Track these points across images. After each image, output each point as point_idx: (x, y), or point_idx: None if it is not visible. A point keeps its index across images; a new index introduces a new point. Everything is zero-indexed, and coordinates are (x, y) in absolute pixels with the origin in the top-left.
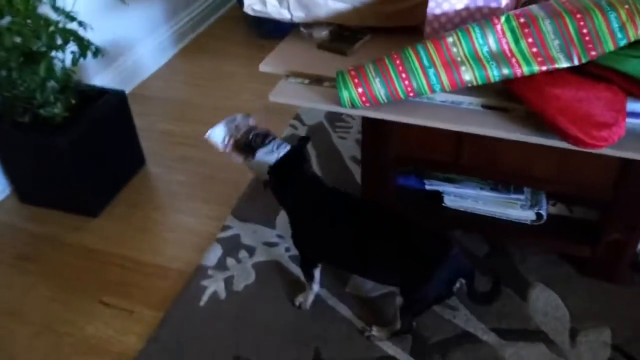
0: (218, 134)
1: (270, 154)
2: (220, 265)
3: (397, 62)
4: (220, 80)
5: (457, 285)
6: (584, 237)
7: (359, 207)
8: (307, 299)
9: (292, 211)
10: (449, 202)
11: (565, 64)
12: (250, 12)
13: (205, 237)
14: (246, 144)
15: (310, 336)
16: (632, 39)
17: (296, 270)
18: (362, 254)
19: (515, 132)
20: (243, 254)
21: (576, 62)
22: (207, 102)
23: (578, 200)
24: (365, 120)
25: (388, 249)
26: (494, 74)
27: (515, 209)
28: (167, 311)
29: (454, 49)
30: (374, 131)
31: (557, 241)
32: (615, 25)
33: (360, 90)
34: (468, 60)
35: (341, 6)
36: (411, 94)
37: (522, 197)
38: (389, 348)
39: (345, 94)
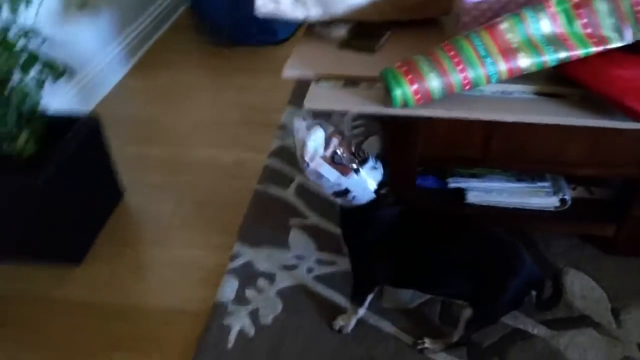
0: (319, 138)
1: (375, 171)
2: (240, 299)
3: (452, 53)
4: (185, 93)
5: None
6: (608, 216)
7: (429, 221)
8: (349, 323)
9: (365, 234)
10: (472, 198)
11: (619, 43)
12: (260, 15)
13: (214, 270)
14: (352, 157)
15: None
16: None
17: (325, 291)
18: (435, 270)
19: (576, 118)
20: (262, 282)
21: (629, 40)
22: (175, 118)
23: (596, 182)
24: (387, 120)
25: (462, 261)
26: (551, 58)
27: (540, 197)
28: None
29: (509, 35)
30: (398, 132)
31: (582, 223)
32: None
33: (415, 87)
34: (524, 46)
35: (360, 1)
36: (467, 87)
37: (546, 184)
38: (446, 359)
39: (398, 93)
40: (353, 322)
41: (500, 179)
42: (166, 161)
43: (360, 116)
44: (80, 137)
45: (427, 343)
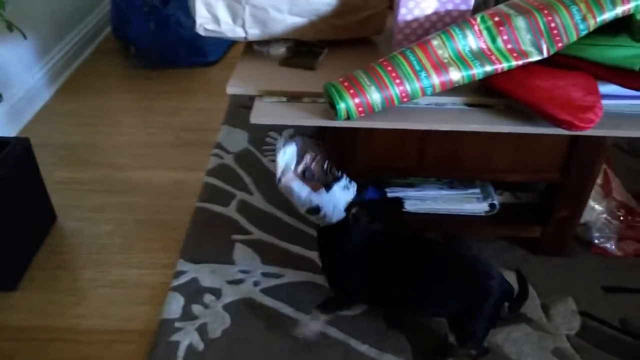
0: (289, 153)
1: (347, 190)
2: (187, 315)
3: (389, 68)
4: (113, 117)
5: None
6: (534, 219)
7: (405, 242)
8: (314, 328)
9: (345, 253)
10: (409, 206)
11: (537, 57)
12: (202, 32)
13: (158, 288)
14: (324, 174)
15: None
16: (592, 29)
17: (273, 302)
18: (409, 291)
19: (503, 125)
20: (209, 297)
21: (545, 55)
22: (104, 140)
23: (521, 187)
24: (328, 135)
25: (438, 283)
26: (479, 71)
27: (472, 203)
28: None
29: (440, 51)
30: (338, 145)
31: (510, 226)
32: (578, 17)
33: (357, 100)
34: (454, 60)
35: (298, 21)
36: (405, 99)
37: (476, 190)
38: None
39: (342, 106)
40: (317, 329)
41: (434, 188)
42: (99, 184)
43: (295, 133)
44: (11, 160)
45: None
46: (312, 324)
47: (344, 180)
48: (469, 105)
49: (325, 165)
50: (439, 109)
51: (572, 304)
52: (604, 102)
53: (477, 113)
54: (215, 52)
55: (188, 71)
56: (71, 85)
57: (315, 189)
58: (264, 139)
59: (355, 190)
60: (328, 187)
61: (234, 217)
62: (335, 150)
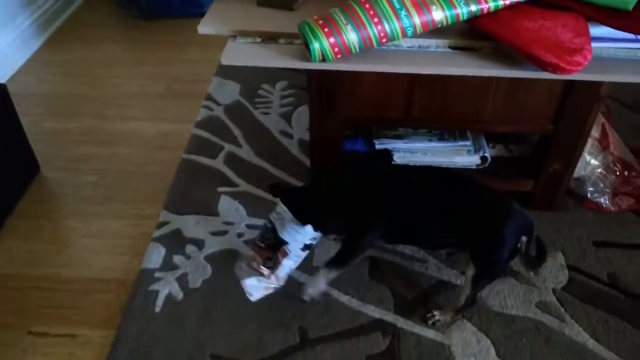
0: (253, 287)
1: (283, 223)
2: (168, 265)
3: (367, 6)
4: (102, 67)
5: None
6: (526, 172)
7: (417, 176)
8: (321, 286)
9: (356, 210)
10: (398, 159)
11: None
12: None
13: (140, 239)
14: (268, 247)
15: (288, 317)
16: None
17: None
18: (429, 223)
19: (488, 69)
20: (191, 248)
21: None
22: (93, 91)
23: (514, 140)
24: (313, 84)
25: (454, 211)
26: (463, 11)
27: (462, 155)
28: (119, 327)
29: None
30: (323, 94)
31: (502, 180)
32: None
33: (332, 40)
34: None
35: None
36: (384, 40)
37: (467, 142)
38: (374, 312)
39: (316, 46)
40: (324, 286)
41: (424, 140)
42: (85, 135)
43: (289, 86)
44: None
45: (437, 315)
46: (320, 283)
47: (281, 231)
48: (454, 48)
49: (262, 244)
50: (422, 51)
51: (561, 258)
52: (594, 45)
53: (461, 56)
54: (210, 3)
55: (181, 22)
56: (61, 36)
57: (283, 256)
58: (255, 91)
59: (284, 209)
60: (282, 247)
61: (221, 169)
62: (320, 101)
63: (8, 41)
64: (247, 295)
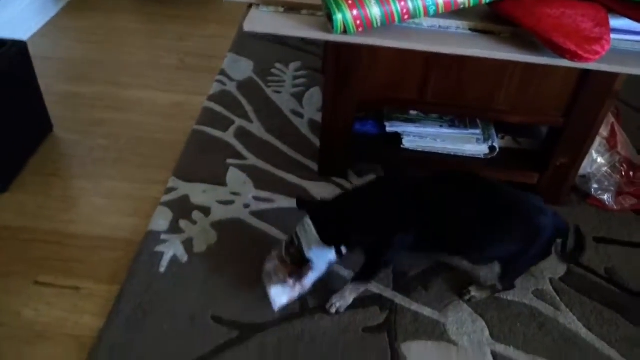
0: (278, 295)
1: (309, 241)
2: (174, 229)
3: None
4: (118, 36)
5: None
6: (532, 165)
7: (450, 184)
8: (348, 300)
9: (382, 226)
10: (407, 143)
11: None
12: None
13: (148, 202)
14: (294, 262)
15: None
16: None
17: (260, 225)
18: (463, 233)
19: (507, 52)
20: (198, 215)
21: None
22: (108, 58)
23: (524, 133)
24: (330, 60)
25: (490, 222)
26: None
27: (472, 144)
28: (124, 283)
29: None
30: (340, 72)
31: (508, 171)
32: None
33: (355, 12)
34: None
35: None
36: (406, 17)
37: (477, 131)
38: (374, 287)
39: (339, 17)
40: (351, 300)
41: (434, 125)
42: (99, 100)
43: (302, 67)
44: (6, 61)
45: (473, 292)
46: (348, 298)
47: (305, 245)
48: (474, 30)
49: (288, 258)
50: (442, 31)
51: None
52: (613, 36)
53: (481, 39)
54: None
55: None
56: (80, 3)
57: (305, 272)
58: (269, 69)
59: (311, 227)
60: (305, 264)
61: (230, 142)
62: (336, 79)
63: (27, 3)
64: (272, 304)
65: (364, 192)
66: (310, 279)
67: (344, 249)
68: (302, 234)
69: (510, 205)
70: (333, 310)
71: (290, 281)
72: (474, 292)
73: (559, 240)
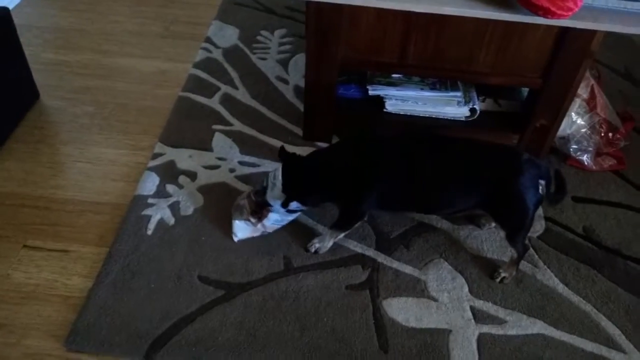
0: (239, 228)
1: (273, 188)
2: (161, 193)
3: None
4: (102, 5)
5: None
6: (512, 126)
7: (415, 144)
8: (326, 245)
9: (348, 181)
10: (390, 107)
11: None
12: None
13: (134, 167)
14: (258, 204)
15: (275, 247)
16: None
17: (246, 188)
18: (436, 191)
19: (482, 10)
20: (184, 179)
21: None
22: (93, 27)
23: (504, 95)
24: (311, 22)
25: (464, 178)
26: None
27: (453, 106)
28: (111, 245)
29: None
30: (321, 34)
31: (489, 133)
32: None
33: None
34: None
35: None
36: None
37: (458, 94)
38: (356, 247)
39: None
40: (330, 244)
41: (416, 88)
42: (84, 67)
43: (288, 34)
44: None
45: (502, 272)
46: (327, 242)
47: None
48: None
49: (253, 196)
50: None
51: (540, 209)
52: None
53: None
54: None
55: None
56: None
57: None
58: (254, 37)
59: (279, 178)
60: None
61: (216, 108)
62: (317, 41)
63: None
64: (232, 235)
65: (330, 151)
66: (271, 221)
67: (294, 204)
68: (270, 180)
69: (477, 157)
70: (312, 250)
71: (252, 219)
72: (503, 273)
73: (543, 183)
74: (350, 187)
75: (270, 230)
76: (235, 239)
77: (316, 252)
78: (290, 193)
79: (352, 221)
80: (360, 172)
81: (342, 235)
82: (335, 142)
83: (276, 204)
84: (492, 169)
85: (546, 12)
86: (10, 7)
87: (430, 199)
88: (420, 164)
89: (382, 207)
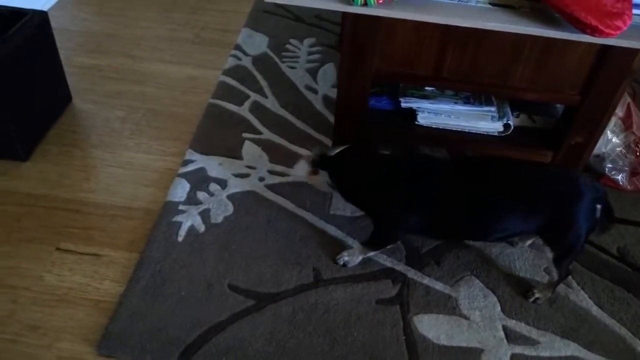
0: (303, 169)
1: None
2: (192, 200)
3: None
4: (135, 9)
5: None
6: (547, 143)
7: (463, 167)
8: (355, 259)
9: (393, 193)
10: (422, 119)
11: None
12: None
13: (165, 173)
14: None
15: (305, 257)
16: None
17: (275, 197)
18: (490, 216)
19: (526, 26)
20: (214, 187)
21: None
22: (125, 32)
23: (539, 111)
24: (347, 34)
25: (522, 202)
26: None
27: (486, 121)
28: (143, 251)
29: None
30: (356, 46)
31: (522, 149)
32: None
33: None
34: None
35: None
36: None
37: (492, 108)
38: (386, 261)
39: None
40: (359, 259)
41: (449, 102)
42: (116, 72)
43: (317, 44)
44: (28, 31)
45: (537, 293)
46: (357, 257)
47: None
48: (493, 4)
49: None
50: (462, 5)
51: None
52: (635, 12)
53: (500, 13)
54: None
55: None
56: None
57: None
58: (283, 45)
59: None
60: None
61: (246, 116)
62: (352, 53)
63: None
64: (291, 168)
65: (382, 161)
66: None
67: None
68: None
69: (534, 180)
70: (340, 262)
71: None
72: (538, 294)
73: (599, 207)
74: (389, 205)
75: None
76: (292, 171)
77: (344, 265)
78: (335, 182)
79: (384, 242)
80: (403, 190)
81: (371, 254)
82: (384, 151)
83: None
84: (551, 192)
85: (594, 31)
86: (45, 8)
87: (483, 225)
88: (473, 187)
89: (422, 233)
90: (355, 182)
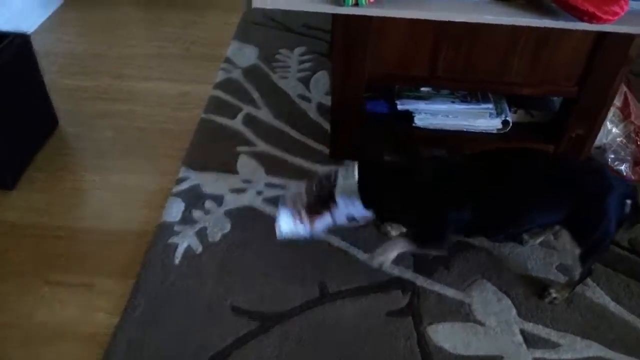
0: (286, 221)
1: (346, 185)
2: (187, 219)
3: None
4: (121, 28)
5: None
6: (547, 137)
7: (496, 161)
8: (390, 256)
9: (431, 199)
10: (419, 121)
11: None
12: None
13: (159, 193)
14: (319, 197)
15: (309, 272)
16: None
17: (274, 211)
18: (517, 208)
19: (523, 17)
20: (210, 204)
21: None
22: (112, 52)
23: (536, 105)
24: (338, 38)
25: (553, 192)
26: None
27: (484, 118)
28: (138, 276)
29: None
30: (348, 49)
31: (522, 144)
32: None
33: None
34: None
35: None
36: None
37: (490, 105)
38: (394, 269)
39: None
40: (393, 255)
41: (446, 101)
42: (104, 92)
43: (307, 52)
44: (9, 53)
45: (554, 293)
46: (392, 254)
47: (340, 179)
48: None
49: (315, 189)
50: (457, 0)
51: None
52: None
53: (496, 6)
54: None
55: None
56: None
57: (324, 214)
58: (274, 55)
59: (355, 175)
60: (331, 203)
61: (239, 129)
62: (344, 57)
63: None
64: (276, 228)
65: (417, 169)
66: (323, 222)
67: (360, 211)
68: (341, 175)
69: (564, 171)
70: (376, 265)
71: (304, 214)
72: (555, 294)
73: (629, 202)
74: (440, 204)
75: (314, 235)
76: (278, 233)
77: (380, 266)
78: (368, 202)
79: (430, 240)
80: (451, 189)
81: (409, 249)
82: (413, 158)
83: (343, 204)
84: (583, 182)
85: (592, 18)
86: (29, 32)
87: (514, 216)
88: (507, 180)
89: (469, 228)
90: (393, 198)
